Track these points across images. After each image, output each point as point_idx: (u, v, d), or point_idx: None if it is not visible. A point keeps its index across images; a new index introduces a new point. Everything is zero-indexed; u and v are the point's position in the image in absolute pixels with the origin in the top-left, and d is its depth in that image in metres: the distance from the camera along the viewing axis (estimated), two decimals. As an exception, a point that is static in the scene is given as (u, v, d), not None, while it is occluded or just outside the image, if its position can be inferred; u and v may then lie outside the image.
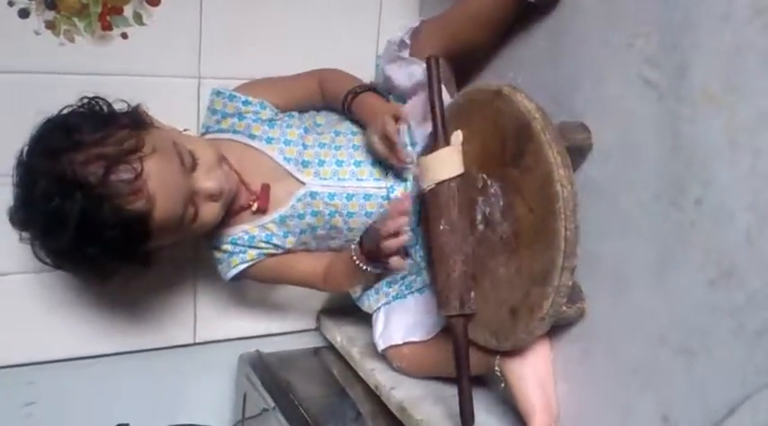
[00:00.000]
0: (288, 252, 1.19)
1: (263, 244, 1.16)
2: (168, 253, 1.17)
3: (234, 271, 1.17)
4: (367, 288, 1.23)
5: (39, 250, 1.03)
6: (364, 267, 1.08)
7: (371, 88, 1.15)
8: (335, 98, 1.17)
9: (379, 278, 1.20)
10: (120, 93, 1.07)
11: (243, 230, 1.16)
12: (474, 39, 1.12)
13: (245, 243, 1.16)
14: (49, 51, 1.14)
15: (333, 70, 1.22)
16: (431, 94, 1.02)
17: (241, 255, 1.16)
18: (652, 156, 0.87)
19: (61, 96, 1.04)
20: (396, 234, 0.99)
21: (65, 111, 1.03)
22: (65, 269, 1.08)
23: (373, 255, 1.05)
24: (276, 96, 1.19)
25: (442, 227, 1.00)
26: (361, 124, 1.18)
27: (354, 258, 1.09)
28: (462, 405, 0.98)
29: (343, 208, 1.14)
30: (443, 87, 1.03)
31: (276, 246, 1.17)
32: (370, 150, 1.12)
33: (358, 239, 1.09)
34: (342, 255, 1.14)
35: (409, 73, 1.13)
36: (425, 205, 1.04)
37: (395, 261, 1.02)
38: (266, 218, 1.15)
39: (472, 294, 1.01)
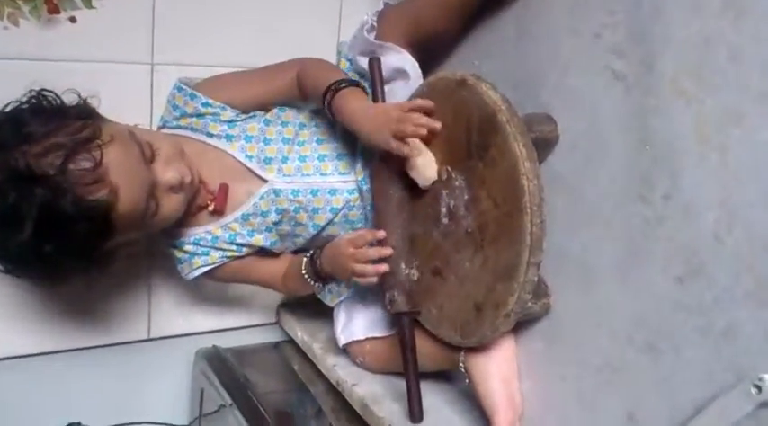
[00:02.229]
0: (252, 253, 1.16)
1: (225, 246, 1.13)
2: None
3: (195, 273, 1.14)
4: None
5: None
6: (312, 282, 1.12)
7: (353, 83, 1.05)
8: (315, 93, 1.08)
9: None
10: (68, 80, 1.02)
11: (206, 230, 1.12)
12: (438, 25, 1.09)
13: (208, 244, 1.12)
14: (-9, 36, 1.08)
15: (312, 61, 1.14)
16: (374, 95, 1.04)
17: (203, 257, 1.13)
18: (619, 150, 0.86)
19: (5, 83, 0.99)
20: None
21: (9, 107, 0.98)
22: (15, 273, 1.02)
23: (328, 276, 1.10)
24: (242, 95, 1.13)
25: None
26: (332, 126, 1.15)
27: (304, 272, 1.11)
28: (411, 402, 1.00)
29: (308, 204, 1.11)
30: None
31: (240, 246, 1.13)
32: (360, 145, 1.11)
33: (311, 252, 1.11)
34: (295, 262, 1.15)
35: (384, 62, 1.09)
36: (374, 205, 1.08)
37: (369, 278, 1.03)
38: (228, 218, 1.12)
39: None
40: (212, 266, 1.13)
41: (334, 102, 1.02)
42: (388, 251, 1.01)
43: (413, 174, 0.99)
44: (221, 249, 1.13)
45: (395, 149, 0.96)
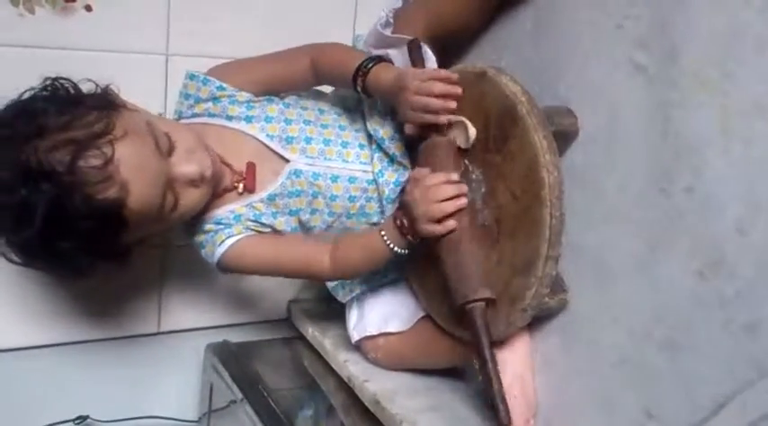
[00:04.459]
0: (278, 233, 1.11)
1: (249, 223, 1.08)
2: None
3: (220, 249, 1.06)
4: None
5: (6, 248, 0.96)
6: (397, 249, 0.99)
7: (381, 59, 1.04)
8: (338, 78, 1.07)
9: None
10: (82, 69, 1.01)
11: (229, 210, 1.08)
12: (458, 19, 1.09)
13: (231, 221, 1.08)
14: (7, 23, 1.08)
15: (327, 46, 1.12)
16: None
17: (227, 230, 1.07)
18: (640, 143, 0.85)
19: (20, 71, 0.98)
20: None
21: (26, 95, 0.96)
22: (36, 267, 1.01)
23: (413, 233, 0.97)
24: (254, 80, 1.11)
25: None
26: (348, 106, 1.13)
27: (385, 238, 0.99)
28: (496, 408, 0.89)
29: (326, 189, 1.09)
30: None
31: (264, 225, 1.09)
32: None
33: (392, 214, 1.01)
34: (363, 236, 1.06)
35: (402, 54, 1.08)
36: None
37: (448, 225, 0.93)
38: (254, 197, 1.08)
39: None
40: (238, 238, 1.06)
41: (367, 84, 1.01)
42: (464, 188, 0.94)
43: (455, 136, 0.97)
44: (245, 225, 1.08)
45: (411, 121, 0.98)
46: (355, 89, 1.03)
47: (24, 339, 1.22)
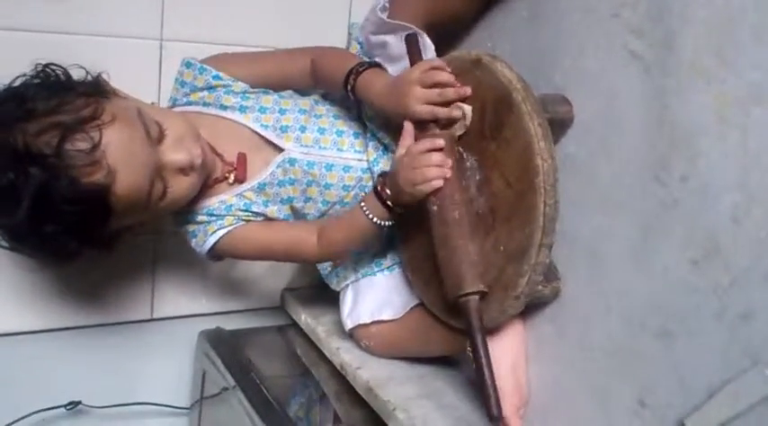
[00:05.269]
0: (270, 220, 1.12)
1: (240, 213, 1.09)
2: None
3: (211, 240, 1.08)
4: (335, 264, 1.18)
5: None
6: (377, 220, 0.99)
7: (375, 64, 1.04)
8: (333, 80, 1.06)
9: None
10: (75, 54, 1.01)
11: (219, 200, 1.09)
12: (452, 7, 1.08)
13: (222, 212, 1.09)
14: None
15: (329, 49, 1.12)
16: None
17: (219, 222, 1.08)
18: (636, 131, 0.85)
19: (12, 55, 0.97)
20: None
21: (17, 82, 0.96)
22: (23, 252, 1.02)
23: (396, 203, 0.97)
24: (252, 74, 1.11)
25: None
26: (342, 96, 1.11)
27: (365, 210, 0.99)
28: (487, 400, 0.86)
29: (321, 178, 1.09)
30: None
31: (256, 214, 1.10)
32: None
33: (373, 185, 1.01)
34: (346, 213, 1.06)
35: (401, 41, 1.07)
36: None
37: (432, 184, 0.91)
38: (244, 186, 1.09)
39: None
40: (229, 229, 1.07)
41: (357, 85, 1.01)
42: (448, 161, 0.92)
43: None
44: (236, 216, 1.09)
45: (421, 115, 0.94)
46: (345, 89, 1.02)
47: (17, 324, 1.22)
